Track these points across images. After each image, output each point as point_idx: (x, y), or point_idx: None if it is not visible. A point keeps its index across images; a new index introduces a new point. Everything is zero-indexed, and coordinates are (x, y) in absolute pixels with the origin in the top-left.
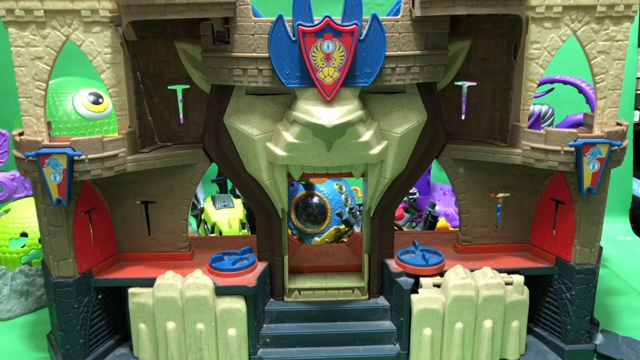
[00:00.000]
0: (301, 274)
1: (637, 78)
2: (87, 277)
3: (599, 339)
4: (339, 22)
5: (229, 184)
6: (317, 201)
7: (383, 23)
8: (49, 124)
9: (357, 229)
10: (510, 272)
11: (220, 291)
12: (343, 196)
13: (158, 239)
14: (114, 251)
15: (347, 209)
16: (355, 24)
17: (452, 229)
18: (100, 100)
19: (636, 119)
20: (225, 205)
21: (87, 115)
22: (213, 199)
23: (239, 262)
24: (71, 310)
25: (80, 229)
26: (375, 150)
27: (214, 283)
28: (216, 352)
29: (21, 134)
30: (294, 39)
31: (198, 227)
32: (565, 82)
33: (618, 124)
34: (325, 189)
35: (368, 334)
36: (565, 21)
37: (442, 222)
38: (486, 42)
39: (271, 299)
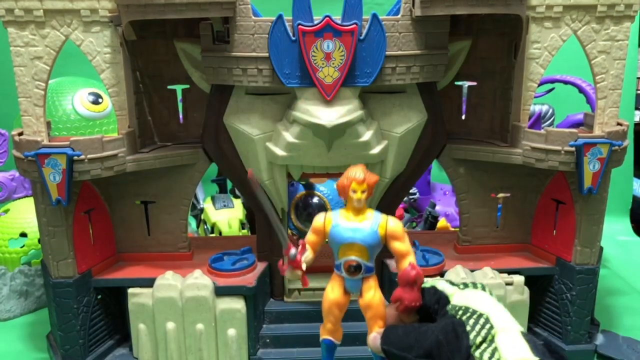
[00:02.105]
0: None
1: (638, 78)
2: (87, 278)
3: (600, 339)
4: (339, 22)
5: (229, 184)
6: (317, 201)
7: (383, 23)
8: (48, 123)
9: None
10: (511, 272)
11: (220, 291)
12: None
13: (158, 239)
14: (113, 251)
15: None
16: (355, 23)
17: (453, 229)
18: (100, 100)
19: (637, 119)
20: (225, 205)
21: (86, 115)
22: (213, 199)
23: (238, 262)
24: (70, 310)
25: (79, 229)
26: (375, 150)
27: (214, 283)
28: (216, 352)
29: (21, 133)
30: (293, 38)
31: (198, 227)
32: (565, 82)
33: (619, 124)
34: (325, 189)
35: None
36: (565, 21)
37: (442, 222)
38: (486, 41)
39: (271, 299)
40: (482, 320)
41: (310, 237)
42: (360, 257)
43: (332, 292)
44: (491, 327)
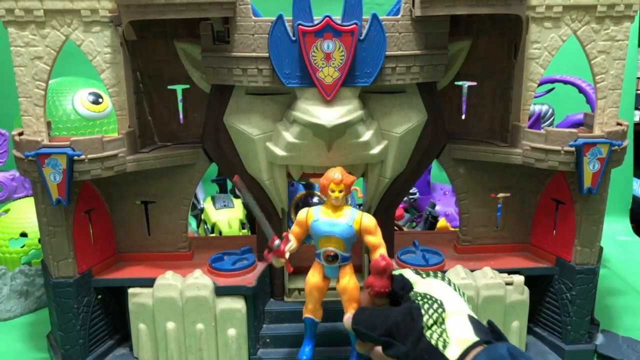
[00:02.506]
0: (301, 274)
1: (638, 78)
2: (87, 278)
3: (599, 339)
4: (339, 22)
5: (229, 184)
6: (317, 201)
7: (383, 23)
8: (48, 123)
9: None
10: (511, 272)
11: (220, 291)
12: None
13: (158, 239)
14: (113, 251)
15: None
16: (356, 23)
17: (452, 229)
18: (100, 100)
19: (636, 119)
20: (225, 205)
21: (86, 115)
22: (213, 199)
23: (238, 262)
24: (71, 310)
25: (79, 229)
26: (376, 150)
27: (214, 283)
28: (216, 352)
29: (21, 133)
30: (294, 38)
31: (198, 227)
32: (565, 82)
33: (618, 124)
34: None
35: None
36: (565, 21)
37: (442, 222)
38: (486, 41)
39: (271, 299)
40: (435, 305)
41: (294, 228)
42: (337, 248)
43: (313, 277)
44: (442, 311)
